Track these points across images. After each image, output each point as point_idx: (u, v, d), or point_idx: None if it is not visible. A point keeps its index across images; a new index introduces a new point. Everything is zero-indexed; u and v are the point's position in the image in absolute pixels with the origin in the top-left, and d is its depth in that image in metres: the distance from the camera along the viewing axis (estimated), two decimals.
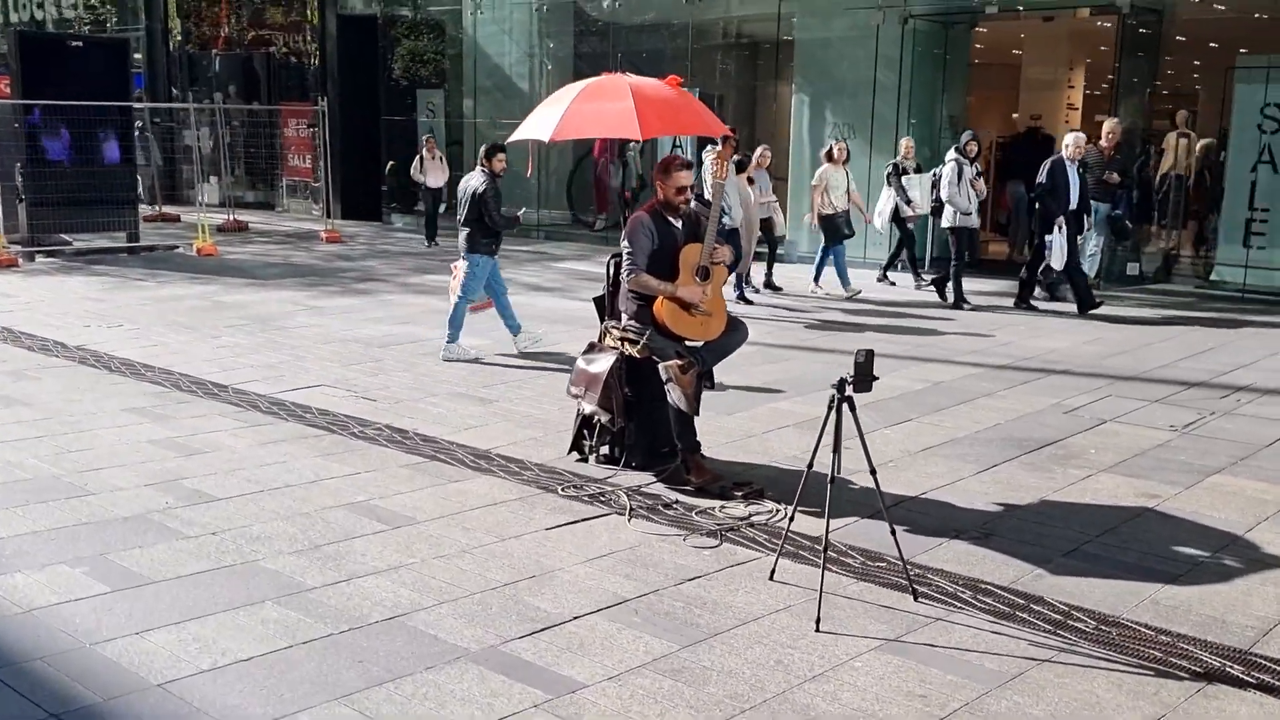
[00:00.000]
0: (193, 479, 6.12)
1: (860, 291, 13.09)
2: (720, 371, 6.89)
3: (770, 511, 5.72)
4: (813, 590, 4.66)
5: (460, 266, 9.72)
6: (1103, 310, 11.77)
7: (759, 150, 13.02)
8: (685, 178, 6.12)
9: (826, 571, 4.74)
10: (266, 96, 25.66)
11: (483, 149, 9.60)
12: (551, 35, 19.82)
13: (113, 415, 7.44)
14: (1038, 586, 4.79)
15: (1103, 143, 12.71)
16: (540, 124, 6.16)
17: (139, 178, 19.47)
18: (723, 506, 5.79)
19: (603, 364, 6.24)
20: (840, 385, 4.56)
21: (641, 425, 6.40)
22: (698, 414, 6.05)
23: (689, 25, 17.81)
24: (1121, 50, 13.62)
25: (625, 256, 6.12)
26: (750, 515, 5.67)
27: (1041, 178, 11.48)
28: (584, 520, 5.58)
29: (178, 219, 21.56)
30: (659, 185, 6.15)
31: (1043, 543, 5.30)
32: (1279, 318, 11.68)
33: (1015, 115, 18.73)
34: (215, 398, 8.01)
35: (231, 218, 20.60)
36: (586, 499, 5.90)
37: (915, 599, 4.63)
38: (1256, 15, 13.55)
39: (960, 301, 12.22)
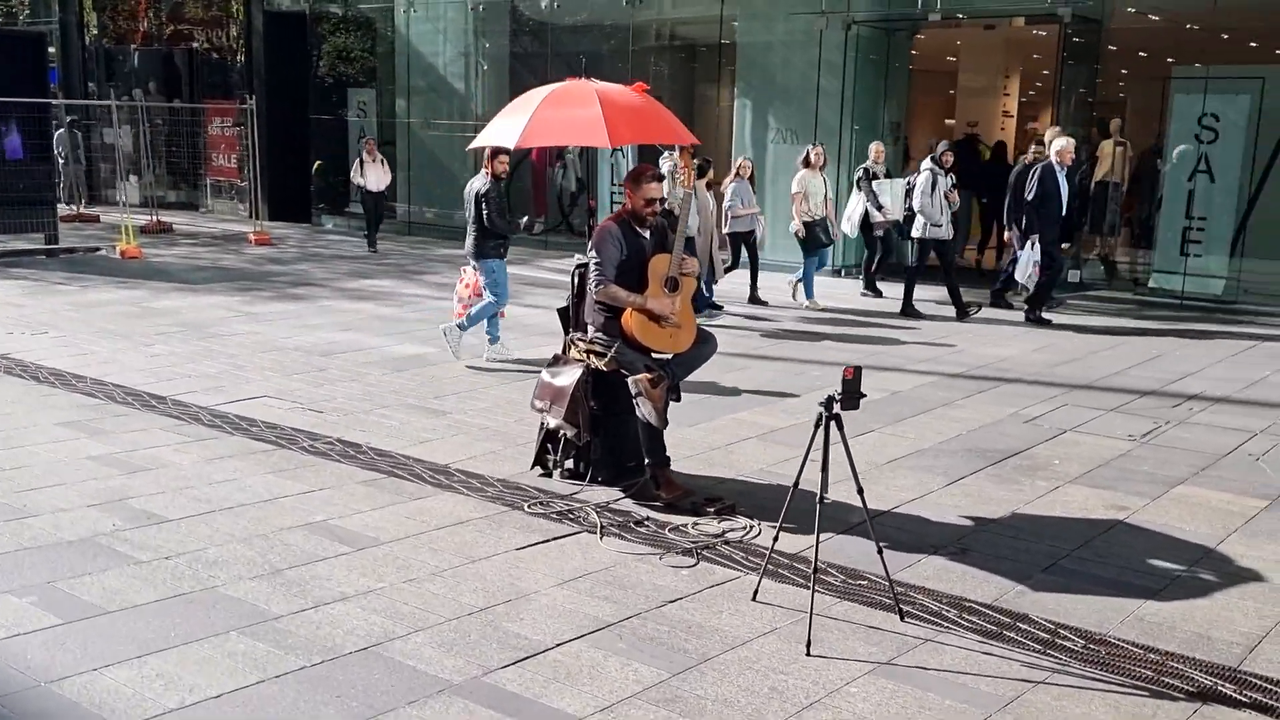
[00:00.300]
0: (139, 499, 5.84)
1: (819, 305, 12.66)
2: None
3: (744, 528, 5.61)
4: (797, 611, 4.58)
5: (467, 273, 9.65)
6: (1047, 316, 11.87)
7: (739, 160, 12.77)
8: (656, 190, 5.98)
9: (815, 593, 4.66)
10: (188, 93, 25.03)
11: (487, 151, 9.39)
12: (487, 34, 19.56)
13: (46, 430, 7.11)
14: (1021, 604, 4.74)
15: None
16: (504, 131, 5.98)
17: (58, 177, 18.87)
18: (695, 523, 5.67)
19: (568, 377, 6.09)
20: (828, 403, 4.46)
21: (607, 439, 6.26)
22: (665, 427, 5.91)
23: (628, 26, 17.68)
24: (1062, 60, 13.76)
25: (592, 266, 5.97)
26: (724, 532, 5.55)
27: (1031, 186, 11.25)
28: (555, 539, 5.43)
29: (97, 219, 20.94)
30: (628, 195, 6.01)
31: (1020, 558, 5.26)
32: (1217, 325, 11.87)
33: (951, 122, 18.90)
34: (154, 410, 7.70)
35: (155, 219, 20.05)
36: (554, 516, 5.74)
37: (902, 619, 4.55)
38: (1189, 26, 13.80)
39: (910, 309, 12.19)
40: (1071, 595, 4.82)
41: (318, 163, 21.55)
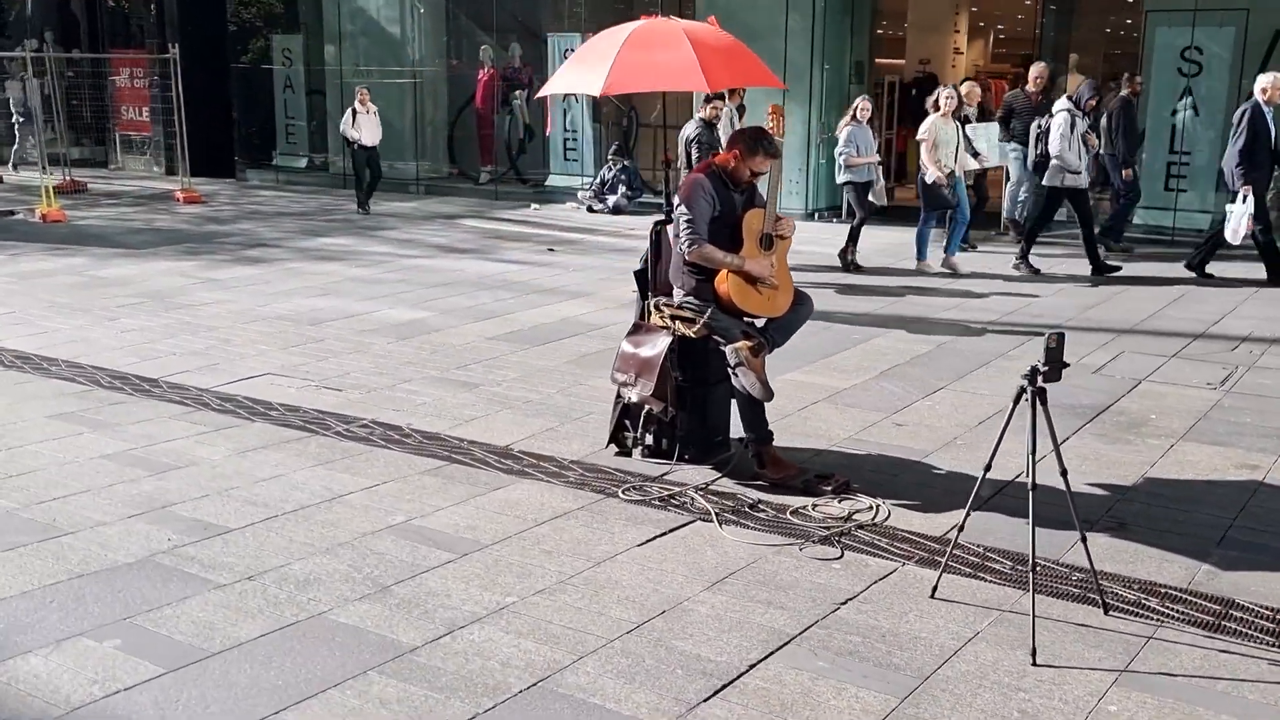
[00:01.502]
0: (183, 505, 5.14)
1: (932, 268, 11.02)
2: None
3: (869, 508, 5.12)
4: (985, 609, 4.13)
5: None
6: (1048, 254, 11.55)
7: (857, 102, 11.34)
8: (765, 166, 5.37)
9: (990, 584, 4.21)
10: (89, 43, 23.45)
11: (702, 96, 9.53)
12: None
13: (39, 425, 6.31)
14: (1219, 586, 4.34)
15: (1030, 88, 12.46)
16: (586, 77, 5.33)
17: None
18: (815, 504, 5.16)
19: (655, 347, 5.51)
20: (1032, 375, 3.96)
21: (694, 413, 5.71)
22: (770, 399, 5.37)
23: None
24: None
25: (683, 223, 5.36)
26: (850, 514, 5.05)
27: (1240, 129, 9.89)
28: (672, 531, 4.88)
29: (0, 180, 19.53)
30: (736, 158, 5.37)
31: (1184, 530, 4.86)
32: (1222, 265, 11.68)
33: (901, 61, 18.47)
34: (151, 396, 6.93)
35: (68, 178, 18.73)
36: (657, 503, 5.19)
37: (1106, 613, 4.10)
38: None
39: (1023, 261, 10.95)
40: (1265, 574, 4.43)
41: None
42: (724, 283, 5.36)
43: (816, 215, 14.65)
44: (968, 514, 4.21)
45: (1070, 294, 10.06)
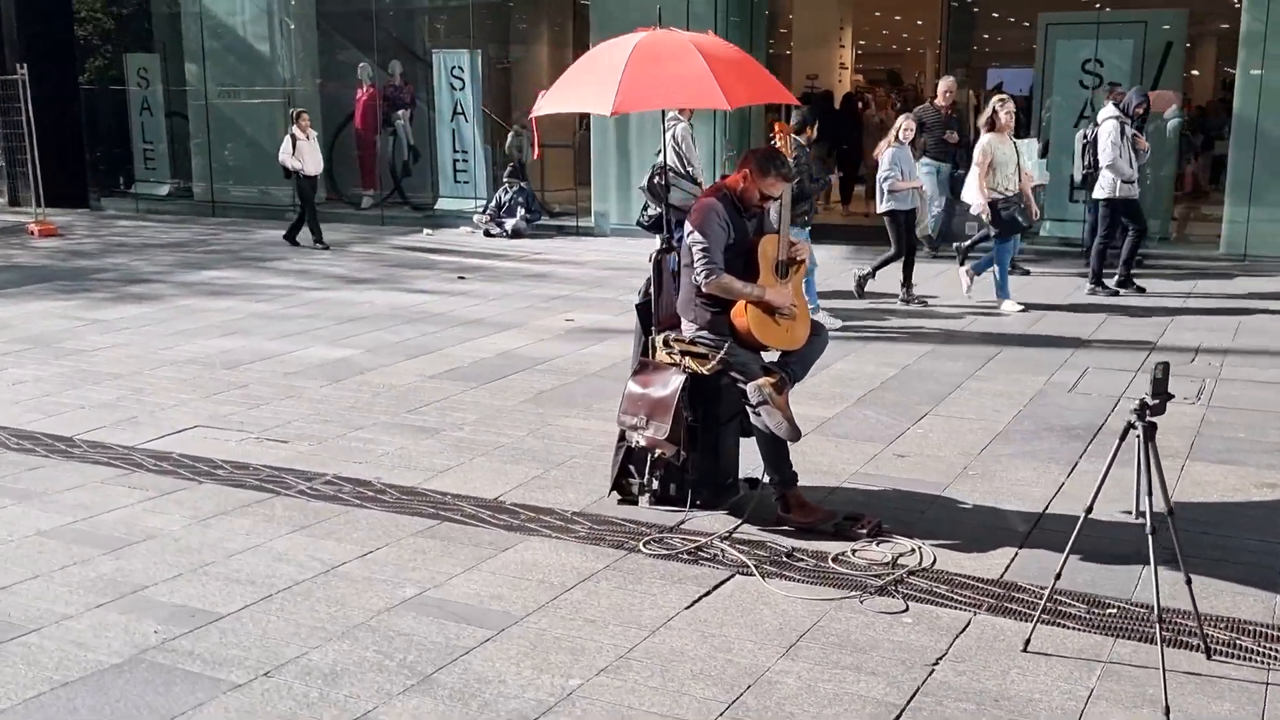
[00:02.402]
0: (155, 587, 4.52)
1: (1022, 309, 9.75)
2: None
3: (911, 551, 4.82)
4: (1085, 660, 3.87)
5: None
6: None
7: (901, 121, 10.19)
8: (778, 188, 5.02)
9: (1074, 630, 3.97)
10: None
11: (799, 112, 9.01)
12: None
13: None
14: None
15: (939, 101, 12.51)
16: (591, 94, 4.91)
17: None
18: (854, 550, 4.84)
19: (667, 386, 5.11)
20: (1141, 410, 3.71)
21: (706, 455, 5.34)
22: (798, 439, 5.03)
23: None
24: (948, 12, 13.47)
25: (698, 252, 4.98)
26: (896, 560, 4.75)
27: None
28: (716, 589, 4.50)
29: None
30: (746, 179, 5.01)
31: (1238, 559, 4.73)
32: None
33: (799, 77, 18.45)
34: (70, 457, 6.22)
35: None
36: (686, 557, 4.80)
37: (1209, 657, 3.89)
38: None
39: (1099, 286, 10.40)
40: None
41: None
42: (742, 315, 5.01)
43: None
44: (1065, 560, 3.94)
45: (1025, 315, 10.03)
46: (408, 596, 4.43)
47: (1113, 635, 4.07)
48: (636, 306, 5.40)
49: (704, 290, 5.00)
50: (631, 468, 5.43)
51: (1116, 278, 10.48)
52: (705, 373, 5.12)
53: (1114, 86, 11.20)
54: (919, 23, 20.61)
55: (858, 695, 3.66)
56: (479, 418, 6.89)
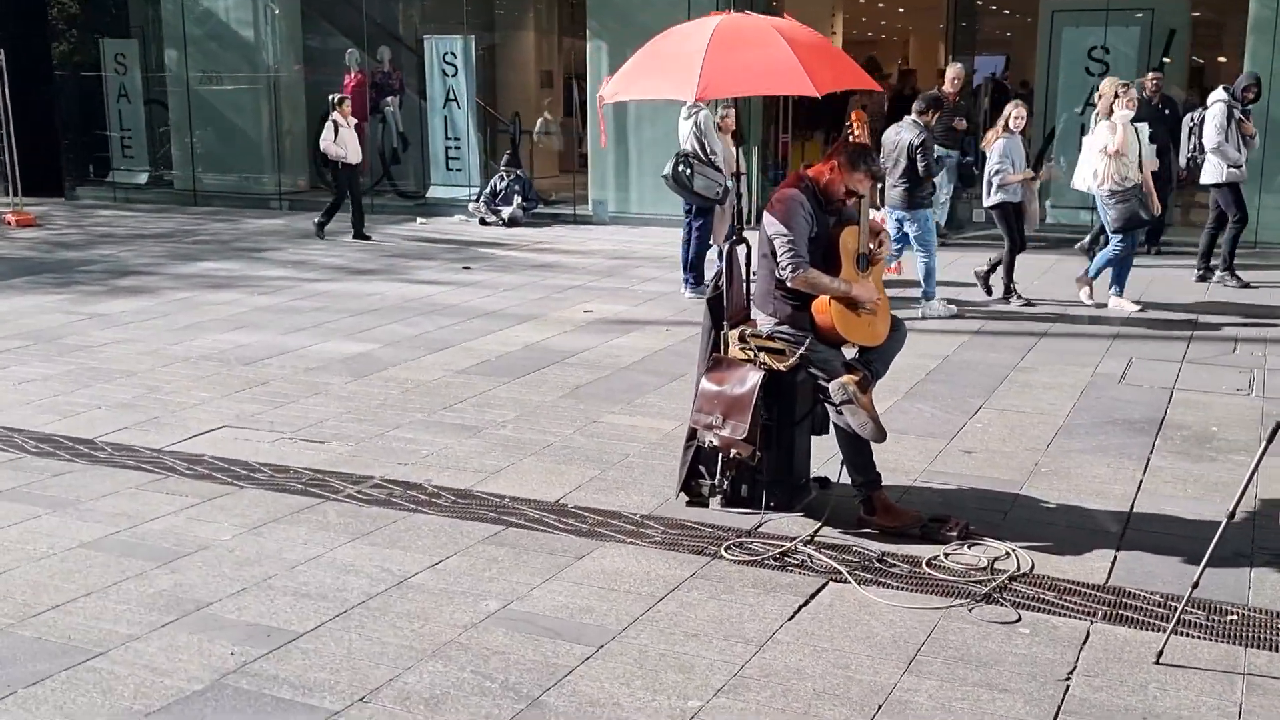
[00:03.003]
0: (220, 604, 4.26)
1: (1141, 309, 9.15)
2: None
3: (1006, 555, 4.64)
4: (1221, 672, 3.70)
5: (888, 223, 8.94)
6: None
7: (1010, 108, 9.47)
8: (865, 185, 4.82)
9: (1201, 640, 3.79)
10: None
11: (917, 102, 9.19)
12: None
13: None
14: None
15: (947, 88, 12.32)
16: (670, 81, 4.67)
17: None
18: (946, 554, 4.65)
19: (745, 384, 4.89)
20: None
21: (781, 455, 5.13)
22: (884, 439, 4.83)
23: None
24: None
25: (784, 245, 4.76)
26: (992, 564, 4.56)
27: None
28: (813, 598, 4.30)
29: None
30: (833, 171, 4.78)
31: None
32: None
33: None
34: (96, 461, 5.92)
35: None
36: (771, 563, 4.59)
37: None
38: None
39: (1229, 273, 10.09)
40: None
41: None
42: (825, 309, 4.80)
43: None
44: (1203, 570, 3.76)
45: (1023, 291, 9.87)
46: (492, 610, 4.19)
47: (1241, 644, 3.89)
48: (708, 300, 5.17)
49: (790, 285, 4.78)
50: (701, 468, 5.21)
51: (1223, 264, 10.19)
52: (783, 369, 4.91)
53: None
54: (900, 10, 20.58)
55: (997, 715, 3.47)
56: (519, 415, 6.64)
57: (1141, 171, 9.07)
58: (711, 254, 9.62)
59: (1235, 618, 4.08)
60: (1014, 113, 9.33)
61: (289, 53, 17.43)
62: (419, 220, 15.20)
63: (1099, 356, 7.68)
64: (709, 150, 9.30)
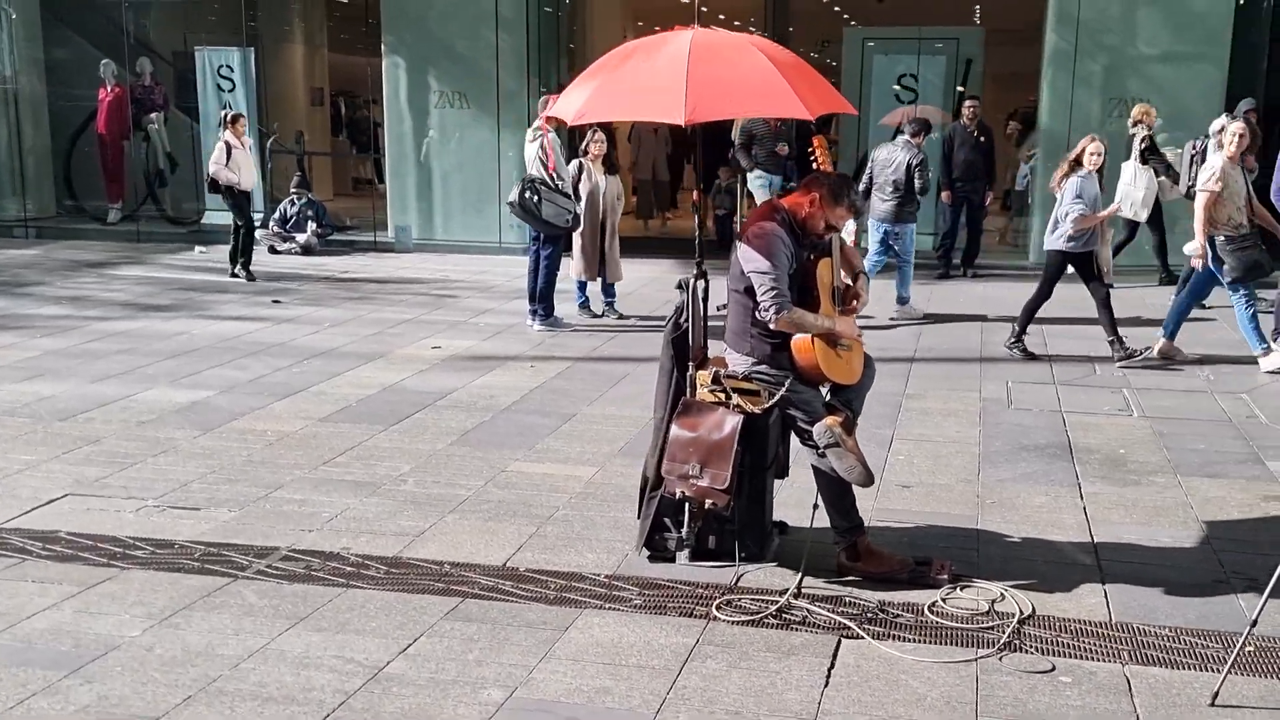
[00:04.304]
0: (167, 717, 3.55)
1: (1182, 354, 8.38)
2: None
3: (1000, 597, 4.50)
4: (1271, 709, 3.63)
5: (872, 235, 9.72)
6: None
7: (1087, 141, 8.24)
8: (845, 220, 4.60)
9: (1253, 677, 3.75)
10: None
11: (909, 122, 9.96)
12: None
13: None
14: None
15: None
16: (655, 99, 4.27)
17: None
18: (945, 598, 4.48)
19: (723, 429, 4.56)
20: None
21: (753, 502, 4.83)
22: (872, 483, 4.61)
23: None
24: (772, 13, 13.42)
25: (764, 283, 4.46)
26: (991, 607, 4.42)
27: None
28: (836, 659, 4.02)
29: None
30: (814, 205, 4.52)
31: None
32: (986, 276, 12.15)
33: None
34: None
35: None
36: (771, 622, 4.28)
37: None
38: None
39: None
40: None
41: None
42: (808, 349, 4.53)
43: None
44: (1264, 604, 3.70)
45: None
46: (499, 701, 3.68)
47: (1273, 676, 3.87)
48: (671, 339, 4.80)
49: (774, 326, 4.48)
50: (666, 520, 4.83)
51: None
52: (759, 412, 4.61)
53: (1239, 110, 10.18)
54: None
55: None
56: (415, 467, 6.05)
57: (1255, 213, 8.14)
58: (632, 286, 9.28)
59: (1252, 649, 4.05)
60: (1090, 147, 8.16)
61: (28, 63, 15.75)
62: (198, 249, 14.00)
63: (977, 380, 7.77)
64: (557, 176, 8.91)
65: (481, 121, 13.52)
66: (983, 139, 11.52)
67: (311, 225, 13.67)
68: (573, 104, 4.46)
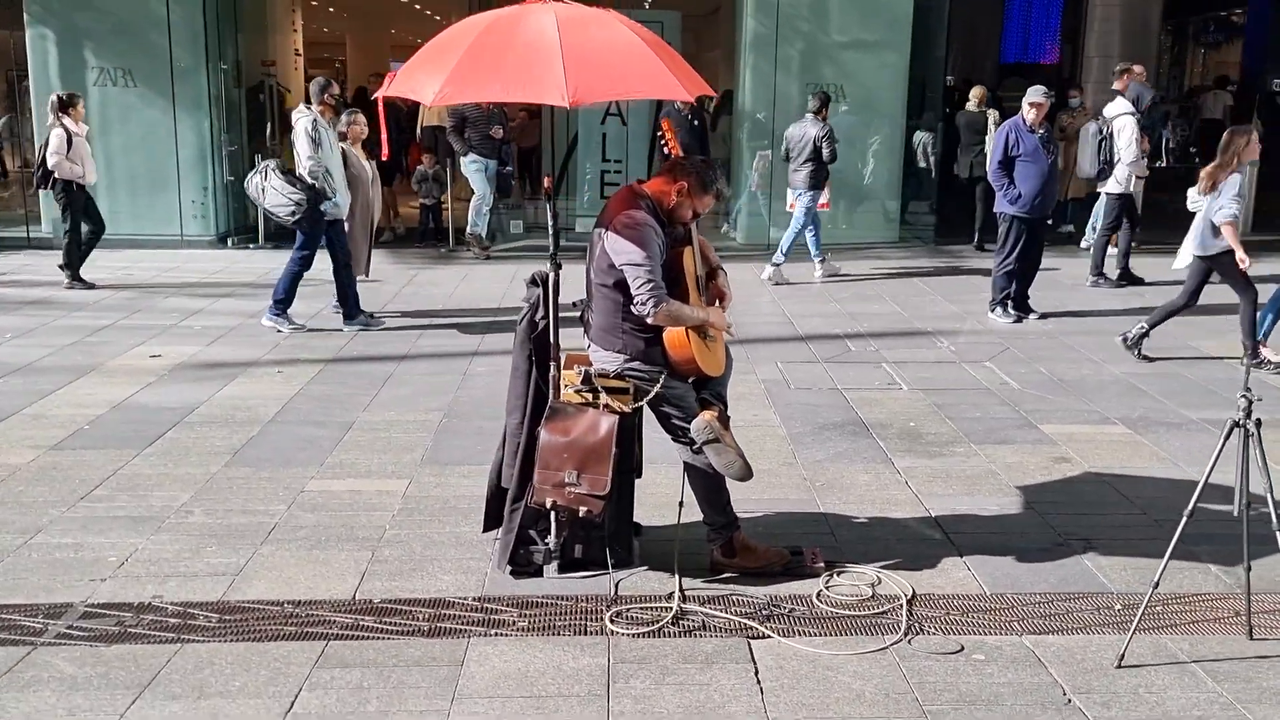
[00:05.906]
0: None
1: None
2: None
3: (877, 581, 4.53)
4: (1177, 664, 3.86)
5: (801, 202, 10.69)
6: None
7: (1245, 135, 7.42)
8: (709, 207, 4.47)
9: (1149, 634, 3.96)
10: None
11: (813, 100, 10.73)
12: None
13: None
14: None
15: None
16: (530, 79, 3.88)
17: None
18: (828, 586, 4.46)
19: (598, 431, 4.29)
20: (1249, 408, 3.74)
21: (622, 506, 4.61)
22: (751, 477, 4.47)
23: None
24: None
25: (641, 276, 4.21)
26: (875, 592, 4.44)
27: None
28: (756, 664, 3.88)
29: None
30: (681, 194, 4.30)
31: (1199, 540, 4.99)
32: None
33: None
34: None
35: None
36: (672, 630, 4.09)
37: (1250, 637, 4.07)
38: None
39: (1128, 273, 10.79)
40: None
41: None
42: (684, 343, 4.34)
43: (229, 241, 12.75)
44: (1165, 564, 3.88)
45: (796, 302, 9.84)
46: None
47: (1150, 631, 4.08)
48: (531, 338, 4.45)
49: (652, 320, 4.25)
50: (531, 533, 4.50)
51: (1118, 271, 10.73)
52: (626, 411, 4.38)
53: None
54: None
55: None
56: (195, 494, 5.35)
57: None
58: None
59: (1120, 607, 4.28)
60: (1250, 140, 7.40)
61: None
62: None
63: (748, 363, 7.80)
64: (307, 158, 8.15)
65: (151, 101, 12.29)
66: (695, 123, 11.70)
67: None
68: (425, 84, 4.02)
